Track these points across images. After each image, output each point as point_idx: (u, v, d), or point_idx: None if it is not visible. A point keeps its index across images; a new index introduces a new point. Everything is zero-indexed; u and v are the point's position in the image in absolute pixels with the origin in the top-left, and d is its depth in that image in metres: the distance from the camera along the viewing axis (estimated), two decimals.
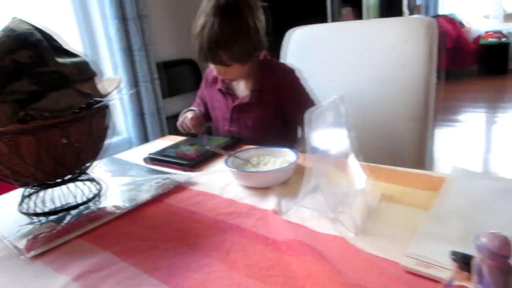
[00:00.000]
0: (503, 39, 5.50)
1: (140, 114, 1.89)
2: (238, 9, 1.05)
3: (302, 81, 1.20)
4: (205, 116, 1.35)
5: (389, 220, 0.62)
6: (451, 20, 5.66)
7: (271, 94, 1.17)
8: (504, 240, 0.34)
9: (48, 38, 0.71)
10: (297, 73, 1.20)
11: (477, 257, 0.36)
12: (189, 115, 1.24)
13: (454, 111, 4.09)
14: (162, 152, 1.05)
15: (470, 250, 0.41)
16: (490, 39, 5.53)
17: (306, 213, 0.67)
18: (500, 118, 3.76)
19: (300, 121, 1.20)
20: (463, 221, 0.59)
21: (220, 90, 1.24)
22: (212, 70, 1.25)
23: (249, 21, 1.06)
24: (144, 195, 0.80)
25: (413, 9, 5.15)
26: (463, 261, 0.38)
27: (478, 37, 5.67)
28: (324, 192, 0.60)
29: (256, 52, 1.14)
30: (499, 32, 5.56)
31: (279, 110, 1.19)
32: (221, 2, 1.04)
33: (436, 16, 5.79)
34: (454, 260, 0.39)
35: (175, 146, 1.10)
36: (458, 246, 0.48)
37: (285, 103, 1.17)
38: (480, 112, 4.04)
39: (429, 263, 0.50)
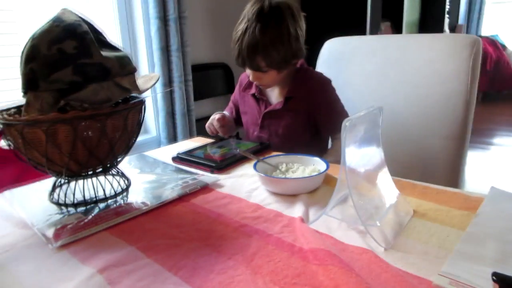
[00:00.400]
0: None
1: (171, 114, 1.92)
2: (281, 16, 1.05)
3: (337, 93, 1.19)
4: (236, 121, 1.35)
5: (421, 237, 0.60)
6: (492, 41, 5.51)
7: (304, 102, 1.16)
8: None
9: (94, 31, 0.73)
10: (332, 84, 1.19)
11: None
12: (216, 116, 1.25)
13: (488, 134, 3.96)
14: (190, 152, 1.05)
15: (509, 273, 0.39)
16: None
17: (334, 224, 0.66)
18: None
19: (331, 133, 1.20)
20: (500, 243, 0.56)
21: (253, 95, 1.24)
22: (247, 74, 1.26)
23: (291, 28, 1.06)
24: (171, 194, 0.80)
25: (454, 29, 5.05)
26: (505, 283, 0.36)
27: None
28: (355, 203, 0.59)
29: (294, 60, 1.14)
30: None
31: (310, 120, 1.18)
32: (264, 8, 1.05)
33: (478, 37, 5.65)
34: (496, 281, 0.37)
35: (204, 147, 1.10)
36: (495, 268, 0.46)
37: (318, 113, 1.16)
38: None
39: (464, 283, 0.47)
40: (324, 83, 1.18)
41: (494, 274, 0.38)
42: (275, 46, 1.05)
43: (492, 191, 0.73)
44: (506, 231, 0.59)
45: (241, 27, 1.08)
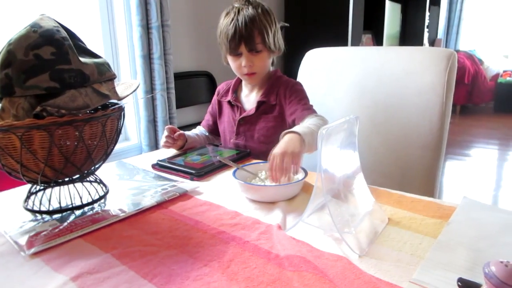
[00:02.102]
0: None
1: (152, 121, 1.91)
2: (264, 6, 1.15)
3: (317, 101, 1.21)
4: (215, 132, 1.36)
5: (395, 245, 0.61)
6: (470, 56, 5.68)
7: (276, 106, 1.18)
8: None
9: (73, 37, 0.73)
10: (303, 87, 1.22)
11: (485, 285, 0.35)
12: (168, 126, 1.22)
13: (465, 146, 4.06)
14: (170, 159, 1.05)
15: (476, 280, 0.40)
16: (508, 78, 5.53)
17: (310, 231, 0.66)
18: None
19: (296, 116, 1.19)
20: (470, 251, 0.58)
21: (229, 102, 1.26)
22: (223, 85, 1.28)
23: (272, 16, 1.16)
24: (149, 201, 0.80)
25: (433, 43, 5.19)
26: None
27: (496, 75, 5.67)
28: (331, 211, 0.60)
29: (277, 51, 1.19)
30: None
31: (283, 121, 1.19)
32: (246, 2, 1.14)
33: (456, 51, 5.81)
34: (461, 286, 0.38)
35: (184, 155, 1.10)
36: (464, 276, 0.47)
37: (286, 108, 1.18)
38: (492, 148, 4.00)
39: None
40: (293, 83, 1.22)
41: (460, 280, 0.39)
42: (268, 23, 1.13)
43: (464, 200, 0.75)
44: (476, 240, 0.61)
45: (227, 19, 1.13)
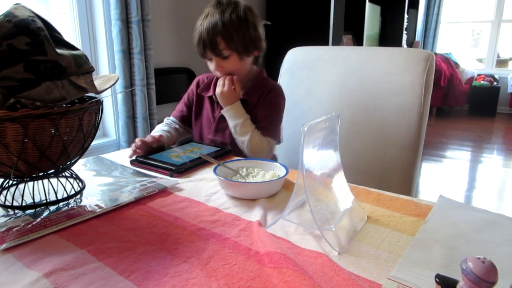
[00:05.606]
0: (495, 83, 5.68)
1: (131, 117, 1.87)
2: (238, 7, 1.11)
3: (283, 105, 1.22)
4: (187, 123, 1.33)
5: (374, 242, 0.62)
6: (446, 59, 5.82)
7: (255, 107, 1.18)
8: (490, 266, 0.34)
9: (49, 28, 0.70)
10: (283, 96, 1.22)
11: (461, 281, 0.36)
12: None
13: (441, 147, 4.16)
14: (150, 155, 1.03)
15: (452, 277, 0.41)
16: (482, 82, 5.70)
17: (291, 228, 0.66)
18: (485, 158, 3.83)
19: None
20: (446, 249, 0.59)
21: (210, 97, 1.24)
22: (205, 76, 1.26)
23: (249, 16, 1.12)
24: (127, 197, 0.78)
25: (411, 45, 5.29)
26: (447, 284, 0.38)
27: (471, 79, 5.84)
28: (312, 208, 0.60)
29: (254, 50, 1.16)
30: (491, 76, 5.75)
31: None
32: (222, 1, 1.11)
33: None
34: (438, 282, 0.39)
35: (164, 151, 1.08)
36: (441, 273, 0.48)
37: (257, 111, 1.18)
38: (465, 150, 4.11)
39: (410, 287, 0.49)
40: (276, 94, 1.20)
41: (437, 276, 0.39)
42: (235, 28, 1.09)
43: (440, 199, 0.77)
44: (451, 238, 0.62)
45: (197, 24, 1.12)
